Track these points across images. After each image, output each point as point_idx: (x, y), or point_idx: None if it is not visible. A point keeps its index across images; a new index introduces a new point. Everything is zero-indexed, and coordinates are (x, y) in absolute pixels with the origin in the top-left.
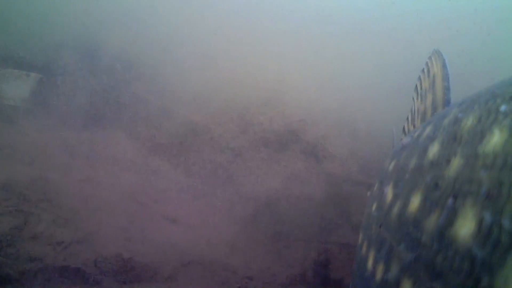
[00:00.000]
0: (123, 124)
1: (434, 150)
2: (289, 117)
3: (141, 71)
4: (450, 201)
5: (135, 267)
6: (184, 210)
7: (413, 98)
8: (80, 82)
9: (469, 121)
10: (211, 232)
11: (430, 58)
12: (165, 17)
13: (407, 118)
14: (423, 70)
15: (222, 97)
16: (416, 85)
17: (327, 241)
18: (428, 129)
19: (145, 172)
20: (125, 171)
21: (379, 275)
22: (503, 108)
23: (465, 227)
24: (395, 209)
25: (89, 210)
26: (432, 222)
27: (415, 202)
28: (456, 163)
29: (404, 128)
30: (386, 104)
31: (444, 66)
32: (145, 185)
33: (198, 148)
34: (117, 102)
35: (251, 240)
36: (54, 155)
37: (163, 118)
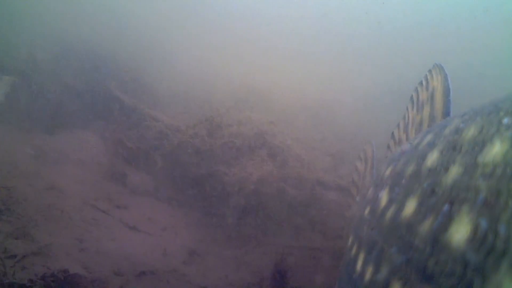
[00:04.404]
0: (94, 126)
1: (433, 157)
2: (258, 119)
3: (117, 70)
4: (446, 207)
5: (82, 281)
6: (146, 216)
7: (407, 108)
8: (54, 84)
9: (470, 131)
10: (171, 239)
11: (430, 71)
12: (145, 19)
13: (398, 125)
14: (421, 83)
15: (193, 99)
16: (412, 96)
17: (290, 245)
18: (428, 138)
19: (111, 177)
20: (91, 177)
21: (368, 276)
22: (505, 120)
23: (460, 233)
24: (389, 213)
25: (49, 220)
26: (426, 226)
27: (410, 207)
28: (455, 171)
29: (393, 134)
30: (366, 108)
31: (445, 80)
32: (109, 191)
33: (166, 152)
34: (91, 103)
35: (212, 246)
36: (21, 161)
37: (133, 119)
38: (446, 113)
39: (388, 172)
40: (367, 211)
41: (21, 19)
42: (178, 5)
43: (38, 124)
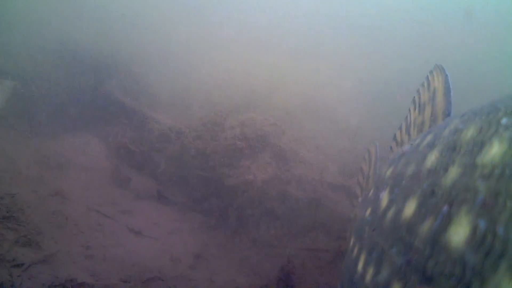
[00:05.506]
0: (97, 129)
1: (432, 158)
2: (261, 121)
3: (118, 73)
4: (445, 208)
5: None
6: (151, 220)
7: (409, 110)
8: (54, 88)
9: (469, 132)
10: (177, 243)
11: (431, 72)
12: (145, 18)
13: (400, 127)
14: (422, 84)
15: (195, 99)
16: (414, 98)
17: (296, 247)
18: (428, 138)
19: (114, 181)
20: (95, 182)
21: (368, 277)
22: (504, 121)
23: (459, 234)
24: (389, 214)
25: (54, 227)
26: (426, 227)
27: (410, 208)
28: (454, 171)
29: (395, 136)
30: (368, 109)
31: (446, 81)
32: (114, 196)
33: (169, 155)
34: (92, 106)
35: (218, 249)
36: (24, 167)
37: (136, 122)
38: (447, 114)
39: (388, 173)
40: (368, 212)
41: (21, 22)
42: (178, 2)
43: (40, 128)
